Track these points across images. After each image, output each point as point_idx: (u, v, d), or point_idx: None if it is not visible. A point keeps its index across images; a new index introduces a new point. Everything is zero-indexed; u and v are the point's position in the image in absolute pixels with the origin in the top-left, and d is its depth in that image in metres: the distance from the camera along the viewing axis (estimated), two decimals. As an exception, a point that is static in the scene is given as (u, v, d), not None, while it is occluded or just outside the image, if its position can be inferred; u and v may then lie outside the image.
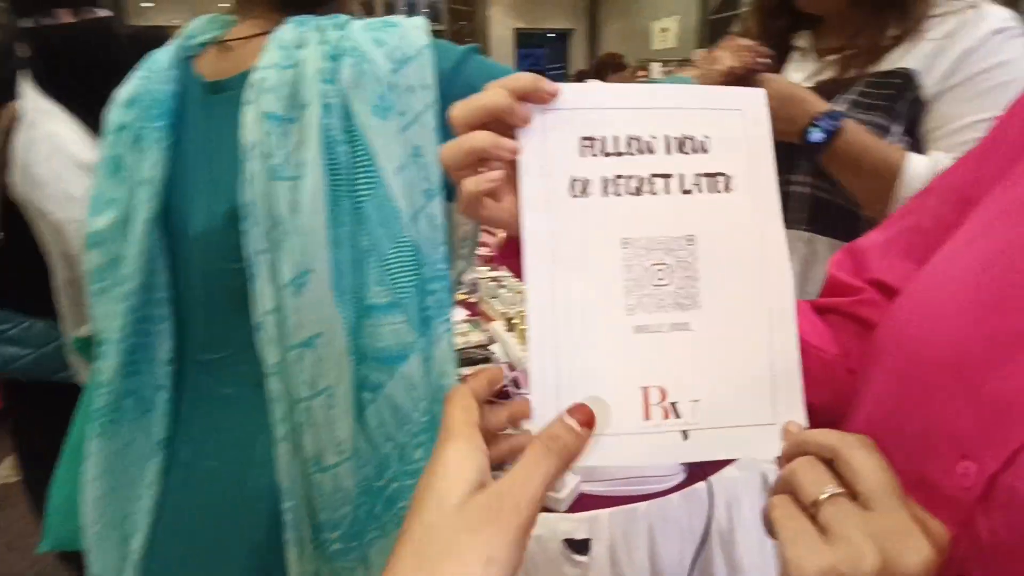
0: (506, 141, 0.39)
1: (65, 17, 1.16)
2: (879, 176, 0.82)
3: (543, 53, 10.34)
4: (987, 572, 0.29)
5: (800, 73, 1.03)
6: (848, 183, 0.87)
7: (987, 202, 0.38)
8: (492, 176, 0.39)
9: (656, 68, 8.11)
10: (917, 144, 0.87)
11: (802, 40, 1.04)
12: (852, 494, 0.30)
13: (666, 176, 0.41)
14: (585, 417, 0.36)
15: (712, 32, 8.53)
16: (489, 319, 1.73)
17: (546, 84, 0.39)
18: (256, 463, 0.70)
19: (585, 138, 0.41)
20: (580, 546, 0.94)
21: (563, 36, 10.27)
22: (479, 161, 0.39)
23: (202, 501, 0.74)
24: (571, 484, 0.98)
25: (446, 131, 0.53)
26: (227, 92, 0.69)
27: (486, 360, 1.47)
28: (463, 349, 1.53)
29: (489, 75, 0.51)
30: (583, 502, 0.99)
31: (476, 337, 1.62)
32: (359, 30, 0.66)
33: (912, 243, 0.45)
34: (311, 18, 0.68)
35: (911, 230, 0.45)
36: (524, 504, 0.31)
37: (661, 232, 0.41)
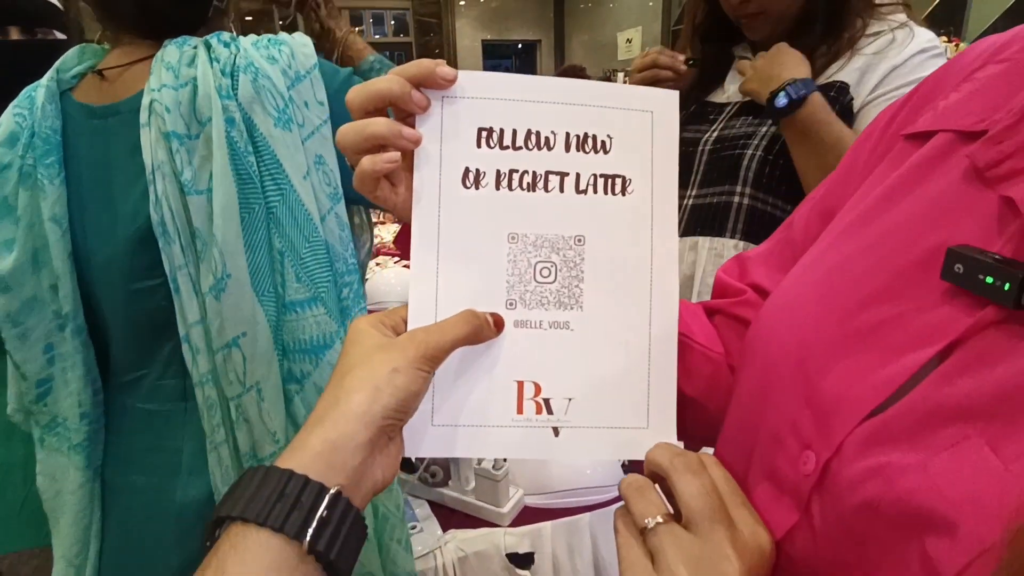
0: (407, 130, 0.39)
1: (13, 34, 1.14)
2: (829, 152, 0.84)
3: (510, 64, 10.41)
4: (818, 561, 0.32)
5: (737, 85, 1.06)
6: (799, 154, 0.89)
7: (839, 216, 0.40)
8: (390, 157, 0.38)
9: (621, 77, 8.23)
10: None
11: (741, 49, 1.07)
12: (678, 516, 0.34)
13: (562, 174, 0.41)
14: (498, 320, 0.39)
15: (674, 42, 8.68)
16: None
17: (443, 70, 0.39)
18: (184, 472, 0.73)
19: (483, 129, 0.40)
20: (524, 560, 0.94)
21: (530, 47, 10.35)
22: (378, 147, 0.39)
23: (137, 518, 0.76)
24: (514, 498, 0.98)
25: None
26: (116, 117, 0.70)
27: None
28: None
29: None
30: (526, 515, 0.99)
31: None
32: (250, 47, 0.68)
33: (784, 254, 0.47)
34: (189, 38, 0.69)
35: (785, 241, 0.48)
36: (432, 345, 0.36)
37: (550, 230, 0.41)
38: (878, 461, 0.28)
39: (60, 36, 1.22)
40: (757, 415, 0.37)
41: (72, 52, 0.75)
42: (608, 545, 0.99)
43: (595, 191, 0.41)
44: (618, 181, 0.41)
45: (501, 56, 10.14)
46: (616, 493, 1.02)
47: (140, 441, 0.76)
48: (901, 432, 0.28)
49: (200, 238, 0.65)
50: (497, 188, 0.40)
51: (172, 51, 0.67)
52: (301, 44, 0.71)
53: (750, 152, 0.96)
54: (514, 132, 0.40)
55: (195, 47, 0.68)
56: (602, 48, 9.33)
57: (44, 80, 0.71)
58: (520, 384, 0.40)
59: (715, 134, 1.02)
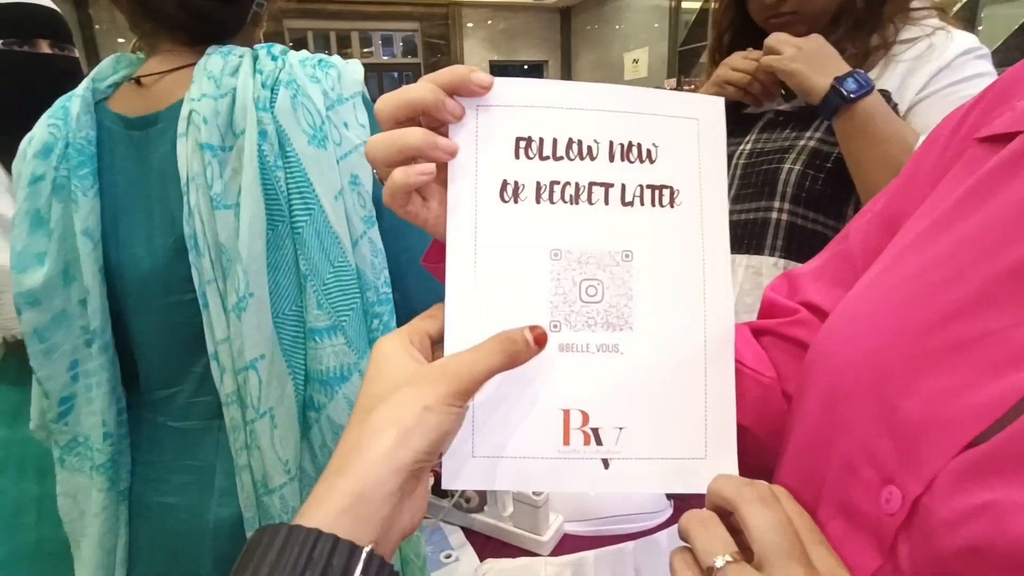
0: (443, 141, 0.36)
1: (43, 47, 1.13)
2: (893, 148, 0.80)
3: (518, 84, 10.51)
4: None
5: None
6: (858, 147, 0.83)
7: (908, 226, 0.37)
8: (423, 169, 0.35)
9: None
10: None
11: None
12: (748, 553, 0.30)
13: (607, 185, 0.38)
14: (539, 336, 0.35)
15: (681, 62, 8.77)
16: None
17: (479, 76, 0.36)
18: (216, 494, 0.70)
19: (521, 138, 0.37)
20: (565, 592, 0.89)
21: (537, 68, 10.46)
22: (410, 159, 0.36)
23: (167, 541, 0.72)
24: (555, 525, 0.93)
25: None
26: (155, 127, 0.67)
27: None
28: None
29: None
30: (567, 543, 0.94)
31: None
32: (296, 63, 0.65)
33: (841, 268, 0.43)
34: (235, 47, 0.67)
35: (840, 256, 0.44)
36: (464, 377, 0.32)
37: (596, 245, 0.37)
38: (984, 498, 0.24)
39: (76, 54, 1.21)
40: (825, 442, 0.33)
41: (107, 61, 0.73)
42: (651, 574, 0.94)
43: (642, 203, 0.38)
44: (665, 192, 0.38)
45: (509, 76, 10.25)
46: (659, 520, 0.98)
47: (171, 460, 0.73)
48: (1011, 464, 0.24)
49: (226, 254, 0.62)
50: (537, 201, 0.37)
51: (216, 60, 0.64)
52: (351, 70, 0.69)
53: (787, 166, 0.93)
54: (554, 141, 0.37)
55: (241, 56, 0.65)
56: (609, 68, 9.42)
57: (79, 90, 0.68)
58: (566, 413, 0.36)
59: (748, 147, 0.99)
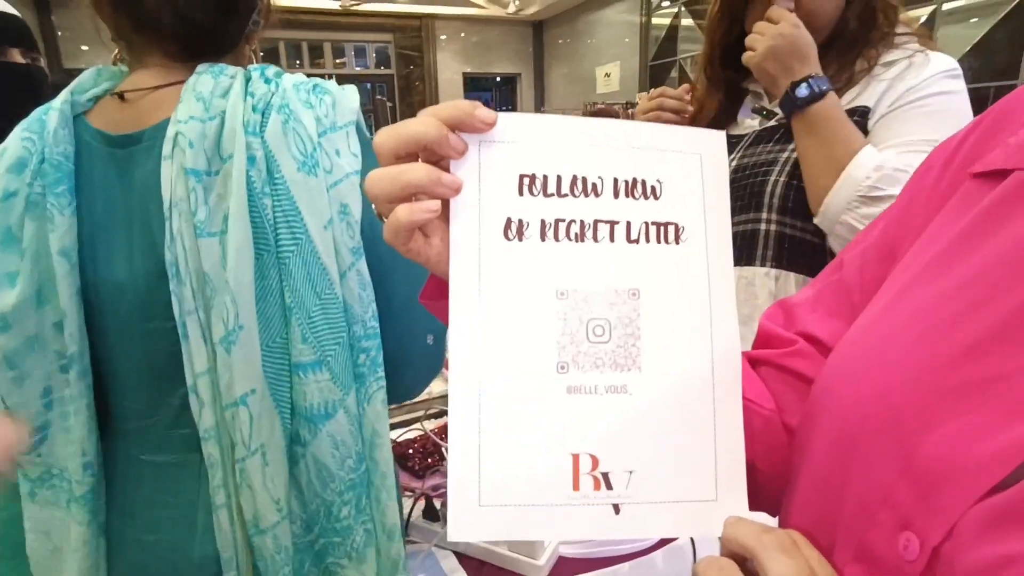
0: (447, 177, 0.35)
1: (15, 57, 1.08)
2: (837, 151, 0.85)
3: (491, 97, 10.53)
4: None
5: (753, 118, 1.05)
6: (807, 146, 0.89)
7: (908, 259, 0.36)
8: (429, 206, 0.34)
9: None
10: None
11: (755, 84, 1.05)
12: None
13: (612, 222, 0.37)
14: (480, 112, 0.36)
15: (652, 76, 8.90)
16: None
17: (482, 112, 0.35)
18: (199, 531, 0.67)
19: (525, 175, 0.36)
20: (562, 617, 0.87)
21: (510, 80, 10.51)
22: (412, 195, 0.35)
23: None
24: (550, 549, 0.91)
25: None
26: (138, 146, 0.64)
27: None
28: (425, 401, 1.44)
29: None
30: (561, 567, 0.92)
31: (438, 387, 1.54)
32: (290, 88, 0.63)
33: (837, 299, 0.43)
34: (227, 67, 0.64)
35: (836, 285, 0.44)
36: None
37: (602, 284, 0.37)
38: (1009, 550, 0.23)
39: (42, 63, 1.17)
40: (838, 483, 0.33)
41: (88, 74, 0.69)
42: (648, 597, 0.92)
43: (647, 240, 0.37)
44: (671, 229, 0.38)
45: (482, 89, 10.25)
46: (655, 540, 0.96)
47: (146, 495, 0.69)
48: None
49: (210, 284, 0.59)
50: (542, 239, 0.36)
51: (207, 80, 0.62)
52: (347, 97, 0.66)
53: (773, 178, 0.96)
54: (559, 178, 0.37)
55: (232, 77, 0.62)
56: (581, 82, 9.51)
57: (57, 103, 0.65)
58: (576, 457, 0.35)
59: (735, 163, 1.01)
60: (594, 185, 0.37)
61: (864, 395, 0.32)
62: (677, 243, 0.38)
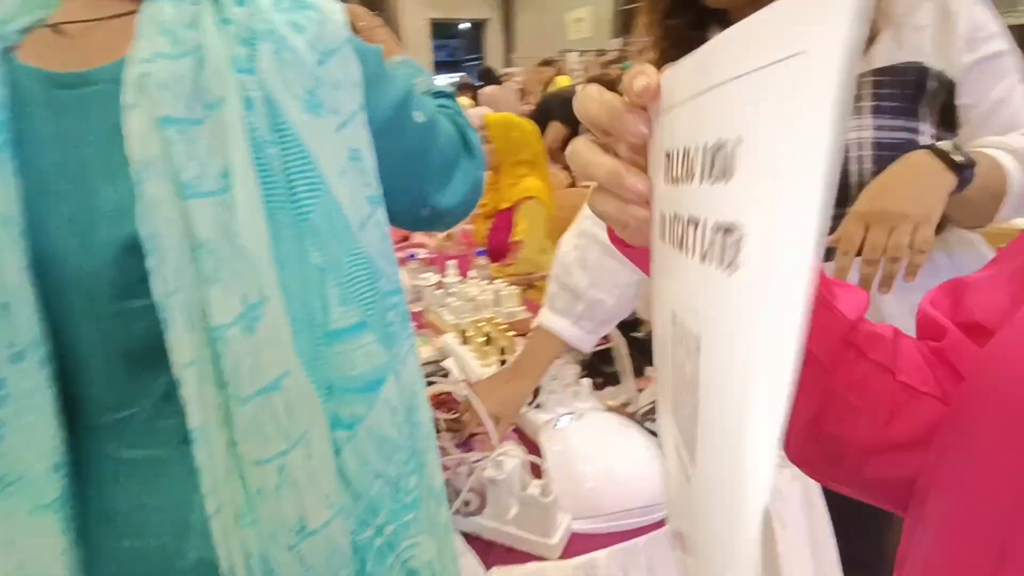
0: (629, 180, 0.31)
1: None
2: (990, 201, 0.74)
3: (458, 44, 10.15)
4: None
5: None
6: (959, 213, 0.77)
7: None
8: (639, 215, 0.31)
9: (573, 58, 8.13)
10: (951, 131, 0.83)
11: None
12: None
13: (695, 223, 0.24)
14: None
15: (626, 21, 8.67)
16: (439, 331, 1.59)
17: (640, 82, 0.28)
18: (193, 534, 0.58)
19: (666, 155, 0.28)
20: (578, 595, 0.83)
21: (478, 26, 10.12)
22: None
23: None
24: (562, 526, 0.86)
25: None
26: (91, 88, 0.53)
27: (444, 375, 1.33)
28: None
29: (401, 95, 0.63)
30: (575, 543, 0.87)
31: (426, 352, 1.47)
32: (270, 7, 0.52)
33: (1018, 285, 0.37)
34: None
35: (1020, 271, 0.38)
36: None
37: (684, 318, 0.26)
38: None
39: None
40: (1014, 490, 0.27)
41: (11, 0, 0.57)
42: (665, 569, 0.89)
43: (712, 258, 0.22)
44: (729, 240, 0.21)
45: (448, 36, 9.88)
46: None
47: (127, 497, 0.60)
48: None
49: (212, 252, 0.50)
50: (662, 239, 0.29)
51: (165, 8, 0.51)
52: (331, 11, 0.57)
53: (857, 167, 0.81)
54: (676, 154, 0.26)
55: (196, 3, 0.52)
56: (551, 27, 9.20)
57: None
58: None
59: None
60: (692, 161, 0.24)
61: None
62: (733, 266, 0.20)
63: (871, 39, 0.81)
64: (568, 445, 0.96)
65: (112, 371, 0.59)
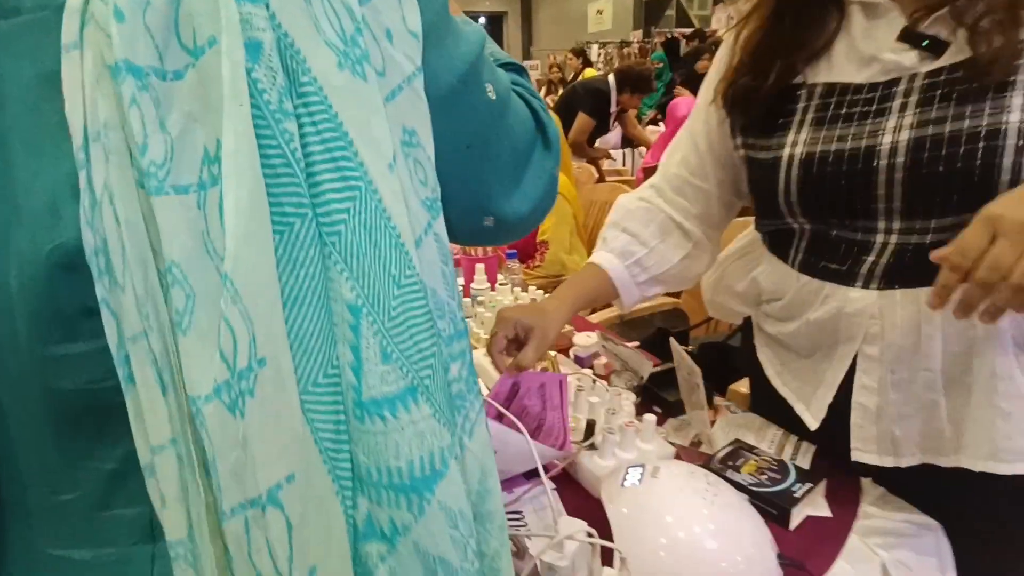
0: None
1: None
2: None
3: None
4: None
5: (872, 57, 0.69)
6: None
7: None
8: None
9: (595, 49, 7.94)
10: None
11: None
12: None
13: None
14: None
15: (648, 13, 8.45)
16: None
17: None
18: None
19: None
20: None
21: (497, 19, 9.98)
22: None
23: None
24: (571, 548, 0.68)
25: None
26: (16, 19, 0.36)
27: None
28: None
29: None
30: None
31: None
32: None
33: None
34: None
35: None
36: None
37: None
38: None
39: None
40: None
41: None
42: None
43: None
44: None
45: (466, 28, 9.79)
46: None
47: None
48: None
49: (181, 282, 0.33)
50: None
51: None
52: None
53: (1006, 160, 0.61)
54: None
55: None
56: (572, 20, 9.02)
57: None
58: None
59: (907, 135, 0.66)
60: None
61: None
62: None
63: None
64: (643, 511, 0.75)
65: (40, 438, 0.42)
